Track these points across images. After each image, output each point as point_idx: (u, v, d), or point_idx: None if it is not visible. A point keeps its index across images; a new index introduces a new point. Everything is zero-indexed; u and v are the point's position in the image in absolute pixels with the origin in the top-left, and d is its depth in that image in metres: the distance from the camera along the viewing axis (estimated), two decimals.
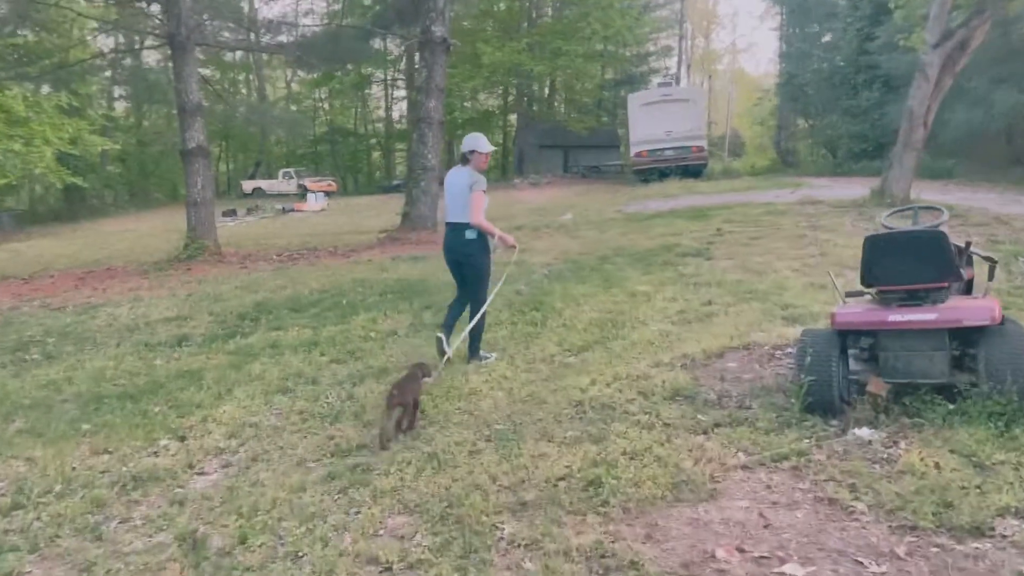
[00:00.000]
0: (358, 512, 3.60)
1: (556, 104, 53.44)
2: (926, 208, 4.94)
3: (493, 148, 6.13)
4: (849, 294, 4.65)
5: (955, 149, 29.37)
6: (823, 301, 6.86)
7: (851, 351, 4.29)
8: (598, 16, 38.69)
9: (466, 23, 40.47)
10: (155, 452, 4.66)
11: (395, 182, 47.06)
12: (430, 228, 14.47)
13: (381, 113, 57.16)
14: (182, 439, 4.83)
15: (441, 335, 5.88)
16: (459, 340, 6.01)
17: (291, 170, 44.70)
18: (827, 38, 44.89)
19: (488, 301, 6.00)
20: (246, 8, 35.27)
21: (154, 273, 13.22)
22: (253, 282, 11.22)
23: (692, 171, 28.85)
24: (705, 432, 4.13)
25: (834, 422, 4.03)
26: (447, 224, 5.95)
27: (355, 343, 6.95)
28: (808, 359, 4.04)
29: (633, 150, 29.60)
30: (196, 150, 13.84)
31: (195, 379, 6.14)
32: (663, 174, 28.53)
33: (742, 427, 4.11)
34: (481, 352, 6.05)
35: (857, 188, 20.46)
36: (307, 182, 40.17)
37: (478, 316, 5.85)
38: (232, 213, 29.10)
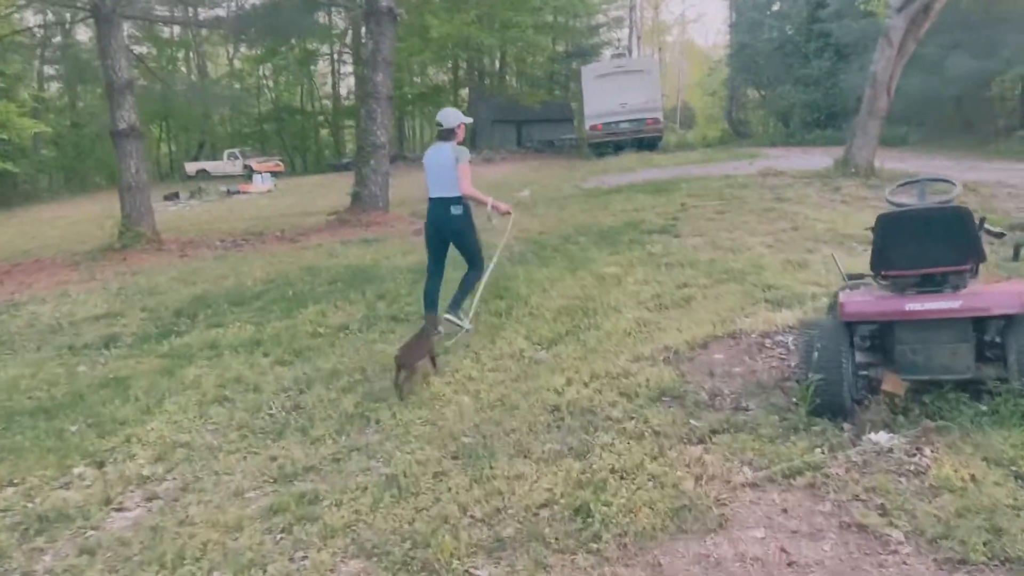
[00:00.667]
0: (304, 558, 3.05)
1: (508, 78, 52.57)
2: (933, 180, 4.49)
3: (470, 120, 6.24)
4: (850, 276, 4.20)
5: (907, 116, 29.51)
6: (804, 281, 6.45)
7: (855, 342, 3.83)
8: None
9: None
10: (68, 483, 4.04)
11: (344, 160, 45.87)
12: (381, 209, 13.78)
13: (328, 89, 55.67)
14: (100, 465, 4.21)
15: (449, 315, 5.89)
16: (472, 301, 6.16)
17: (236, 150, 43.19)
18: (777, 7, 44.78)
19: (488, 270, 6.29)
20: None
21: (85, 264, 12.30)
22: (192, 272, 10.44)
23: (648, 144, 28.48)
24: (702, 441, 3.65)
25: (845, 425, 3.58)
26: (431, 200, 5.92)
27: (302, 340, 6.34)
28: (816, 355, 3.57)
29: (588, 123, 29.08)
30: (127, 131, 12.87)
31: (121, 389, 5.48)
32: (619, 147, 28.11)
33: (742, 434, 3.64)
34: (460, 313, 5.96)
35: (815, 158, 20.32)
36: (253, 163, 38.79)
37: (481, 273, 6.11)
38: (175, 196, 27.82)
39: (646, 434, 3.77)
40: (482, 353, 5.46)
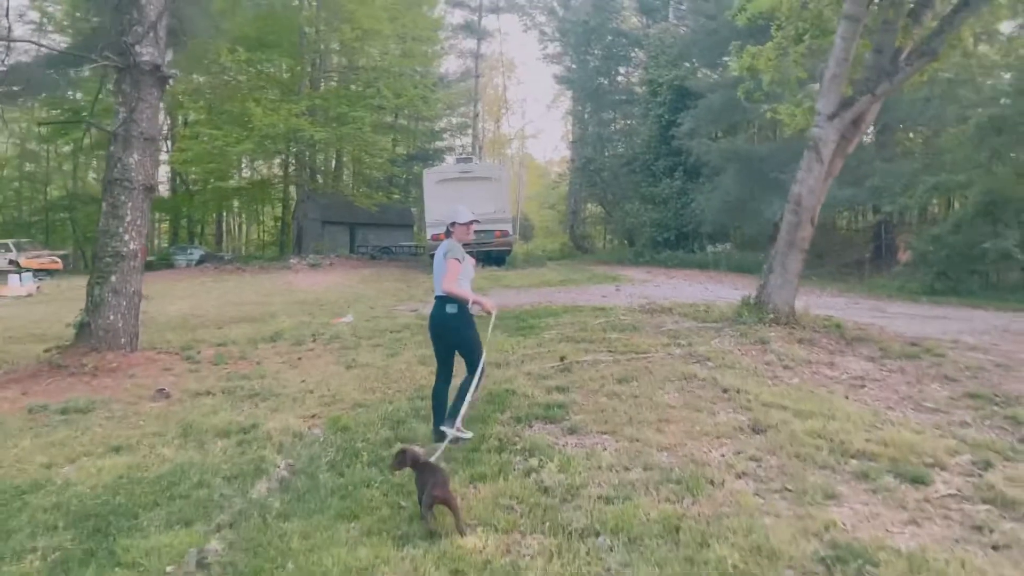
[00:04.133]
0: None
1: (344, 178, 48.98)
2: None
3: (473, 217, 5.89)
4: None
5: (756, 241, 28.67)
6: None
7: None
8: (389, 84, 35.19)
9: (242, 78, 35.26)
10: None
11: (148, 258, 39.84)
12: (123, 347, 9.30)
13: None
14: None
15: (445, 428, 5.48)
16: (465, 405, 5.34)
17: (9, 242, 36.10)
18: (620, 124, 44.68)
19: (480, 366, 5.54)
20: None
21: None
22: None
23: (495, 258, 25.49)
24: None
25: None
26: (435, 298, 5.80)
27: None
28: None
29: (429, 232, 25.71)
30: None
31: None
32: None
33: None
34: (458, 425, 5.51)
35: (688, 287, 17.95)
36: (22, 258, 32.11)
37: (475, 376, 5.53)
38: None
39: None
40: None
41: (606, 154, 43.08)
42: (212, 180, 41.60)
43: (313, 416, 6.70)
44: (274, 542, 3.87)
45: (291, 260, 33.25)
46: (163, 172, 46.60)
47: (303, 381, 8.17)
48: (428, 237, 25.86)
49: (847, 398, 6.75)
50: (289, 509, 4.39)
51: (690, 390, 6.93)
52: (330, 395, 7.42)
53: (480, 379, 5.58)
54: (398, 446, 4.36)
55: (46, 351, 9.67)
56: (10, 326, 14.46)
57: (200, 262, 37.99)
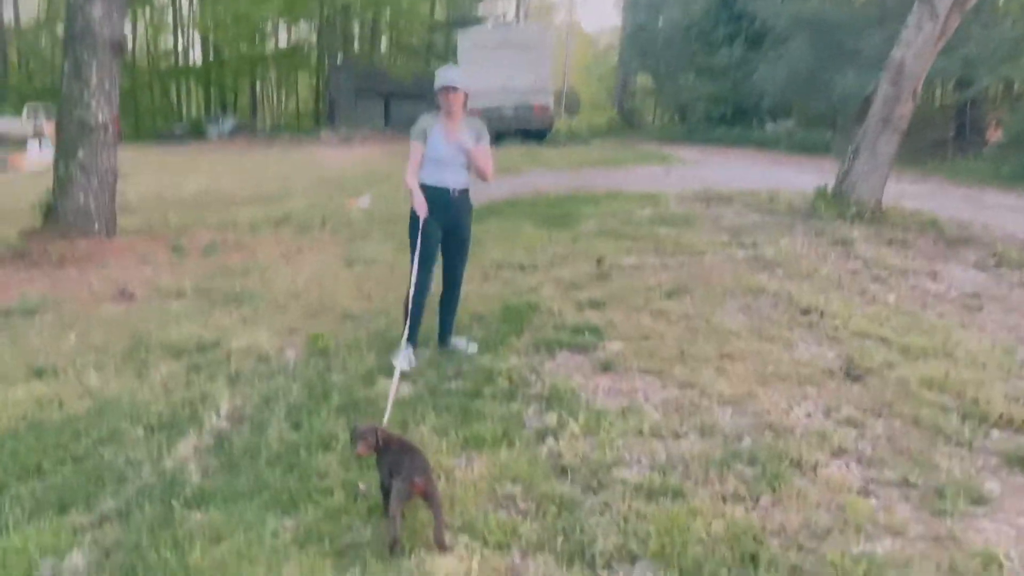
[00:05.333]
0: None
1: (380, 47, 46.43)
2: None
3: (448, 84, 4.46)
4: None
5: (822, 119, 26.13)
6: None
7: None
8: None
9: None
10: None
11: (176, 131, 38.74)
12: (97, 233, 8.15)
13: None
14: None
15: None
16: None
17: (38, 105, 34.92)
18: None
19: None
20: None
21: None
22: None
23: (535, 134, 23.60)
24: None
25: None
26: None
27: None
28: None
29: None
30: None
31: None
32: (499, 136, 23.05)
33: None
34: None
35: (749, 170, 16.06)
36: (47, 124, 31.02)
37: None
38: None
39: None
40: None
41: (660, 20, 39.68)
42: (242, 45, 39.52)
43: (291, 331, 5.48)
44: (166, 555, 2.67)
45: (322, 133, 31.79)
46: (194, 39, 44.72)
47: (293, 280, 6.93)
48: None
49: (963, 326, 5.26)
50: (209, 487, 3.20)
51: (758, 309, 5.51)
52: (319, 301, 6.18)
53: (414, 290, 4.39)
54: (355, 424, 3.07)
55: (19, 235, 8.56)
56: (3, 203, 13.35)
57: (232, 133, 36.71)
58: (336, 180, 16.43)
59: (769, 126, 25.98)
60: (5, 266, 7.54)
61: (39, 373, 4.64)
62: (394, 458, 2.90)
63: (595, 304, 5.68)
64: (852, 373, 4.28)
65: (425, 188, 4.49)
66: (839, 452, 3.41)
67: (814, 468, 3.23)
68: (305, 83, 49.40)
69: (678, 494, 3.03)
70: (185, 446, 3.61)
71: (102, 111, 8.07)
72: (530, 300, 5.79)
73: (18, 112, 35.47)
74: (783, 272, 6.45)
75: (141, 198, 13.78)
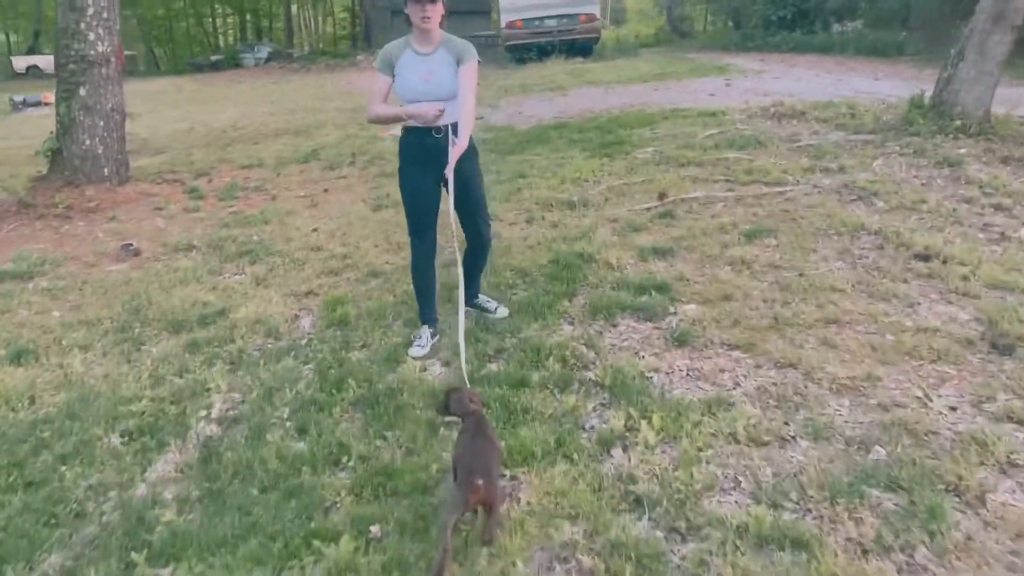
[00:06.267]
0: None
1: None
2: None
3: None
4: None
5: (893, 17, 23.94)
6: None
7: None
8: None
9: None
10: None
11: (213, 57, 37.87)
12: (107, 180, 7.46)
13: None
14: None
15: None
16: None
17: None
18: None
19: None
20: None
21: None
22: None
23: (580, 48, 22.10)
24: None
25: None
26: None
27: None
28: None
29: (504, 19, 22.39)
30: None
31: None
32: (543, 51, 21.68)
33: None
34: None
35: (813, 78, 14.60)
36: None
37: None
38: None
39: None
40: None
41: None
42: None
43: (308, 294, 4.74)
44: None
45: (358, 57, 30.62)
46: None
47: (315, 229, 6.17)
48: (503, 25, 22.58)
49: None
50: (184, 530, 2.51)
51: (860, 254, 4.56)
52: (342, 255, 5.41)
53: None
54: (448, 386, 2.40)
55: (32, 180, 7.94)
56: (17, 145, 12.71)
57: (268, 60, 35.73)
58: (360, 106, 15.51)
59: (835, 28, 23.93)
60: (9, 219, 6.93)
61: (17, 357, 4.00)
62: (472, 443, 2.36)
63: (660, 252, 4.80)
64: (999, 343, 3.36)
65: (405, 132, 3.58)
66: (1009, 468, 2.55)
67: (981, 498, 2.39)
68: (341, 3, 47.81)
69: (798, 543, 2.23)
70: (165, 464, 2.93)
71: (102, 42, 7.27)
72: (583, 249, 4.92)
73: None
74: (883, 204, 5.44)
75: (170, 134, 13.17)
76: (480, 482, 2.18)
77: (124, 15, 39.36)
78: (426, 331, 3.80)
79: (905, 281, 4.11)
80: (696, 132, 8.56)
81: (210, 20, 46.13)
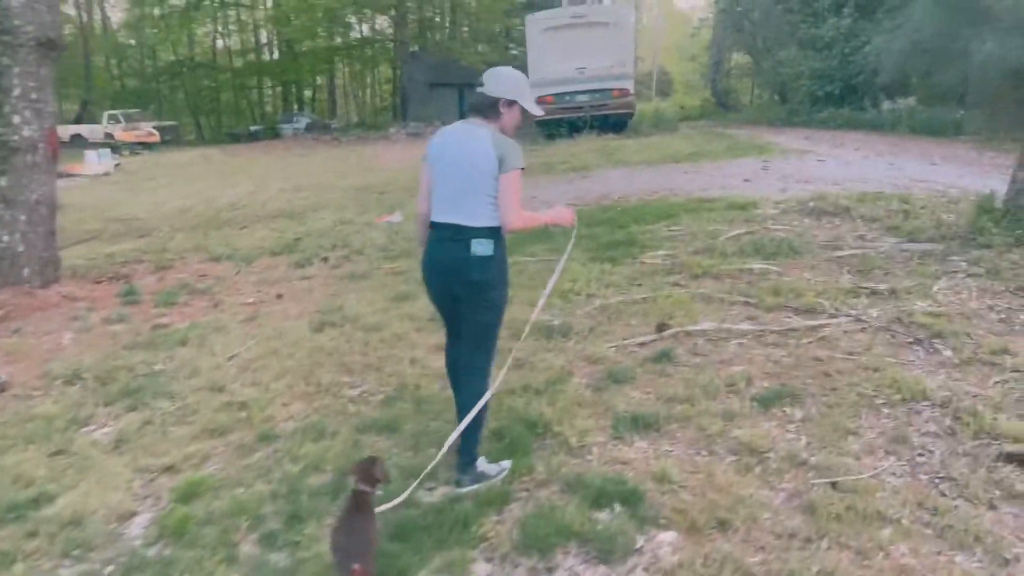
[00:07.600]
0: None
1: (457, 35, 44.60)
2: None
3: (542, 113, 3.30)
4: None
5: (950, 94, 22.59)
6: None
7: None
8: None
9: None
10: None
11: (252, 128, 38.17)
12: (26, 281, 6.51)
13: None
14: None
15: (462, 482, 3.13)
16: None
17: (118, 112, 34.93)
18: None
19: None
20: None
21: None
22: None
23: (614, 123, 21.18)
24: None
25: None
26: (437, 226, 3.04)
27: None
28: None
29: (534, 94, 21.61)
30: None
31: None
32: (575, 127, 20.79)
33: None
34: (480, 461, 3.14)
35: (862, 161, 13.29)
36: (117, 130, 30.75)
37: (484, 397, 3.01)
38: None
39: None
40: None
41: None
42: (318, 36, 38.45)
43: (167, 470, 3.55)
44: None
45: (391, 130, 30.32)
46: (264, 35, 44.16)
47: (231, 356, 5.03)
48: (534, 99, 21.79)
49: None
50: None
51: (923, 446, 3.21)
52: (240, 402, 4.23)
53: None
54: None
55: None
56: None
57: (306, 131, 35.83)
58: (382, 185, 14.66)
59: (886, 105, 22.66)
60: None
61: None
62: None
63: (644, 424, 3.53)
64: None
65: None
66: None
67: None
68: (383, 77, 48.31)
69: None
70: None
71: (28, 126, 6.39)
72: (540, 414, 3.67)
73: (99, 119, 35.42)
74: (951, 353, 4.09)
75: (167, 213, 12.43)
76: (357, 569, 2.17)
77: (173, 85, 40.17)
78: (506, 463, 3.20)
79: (992, 507, 2.75)
80: (720, 231, 7.34)
81: (256, 91, 46.86)
